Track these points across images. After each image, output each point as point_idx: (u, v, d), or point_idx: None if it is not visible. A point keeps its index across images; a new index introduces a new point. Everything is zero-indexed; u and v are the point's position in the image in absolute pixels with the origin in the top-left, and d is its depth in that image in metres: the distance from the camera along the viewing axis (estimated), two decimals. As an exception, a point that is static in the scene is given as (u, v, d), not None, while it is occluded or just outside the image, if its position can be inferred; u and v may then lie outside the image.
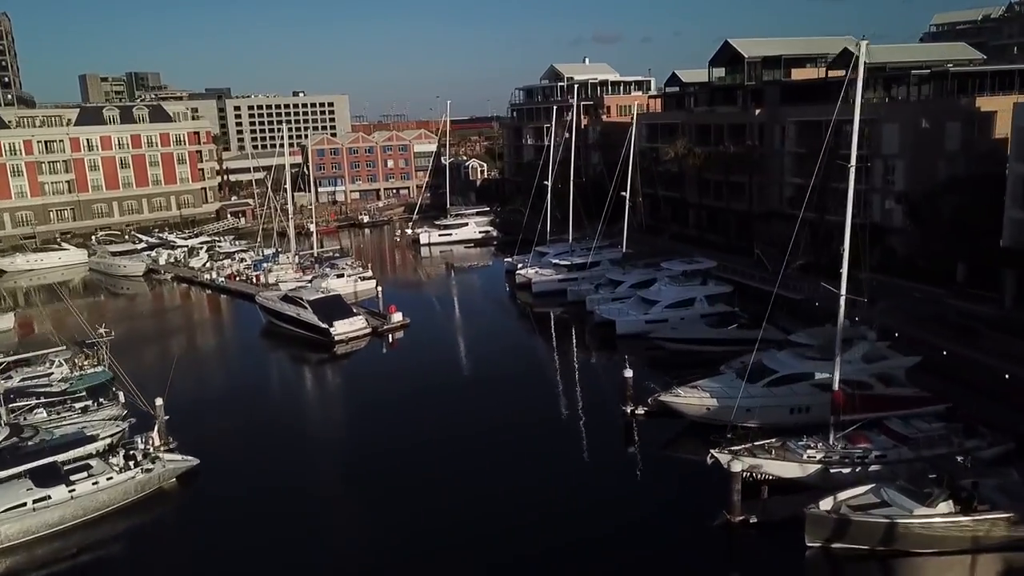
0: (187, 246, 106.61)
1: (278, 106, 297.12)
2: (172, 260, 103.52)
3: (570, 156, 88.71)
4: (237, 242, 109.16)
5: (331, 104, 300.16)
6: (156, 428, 42.78)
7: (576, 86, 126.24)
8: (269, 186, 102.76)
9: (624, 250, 77.69)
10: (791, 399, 41.86)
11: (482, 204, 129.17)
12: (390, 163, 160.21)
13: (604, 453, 43.51)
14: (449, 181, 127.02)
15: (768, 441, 36.88)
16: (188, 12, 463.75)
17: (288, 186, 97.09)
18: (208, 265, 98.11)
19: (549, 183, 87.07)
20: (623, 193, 73.82)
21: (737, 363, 46.64)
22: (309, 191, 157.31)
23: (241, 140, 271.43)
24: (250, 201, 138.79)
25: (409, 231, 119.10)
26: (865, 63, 35.09)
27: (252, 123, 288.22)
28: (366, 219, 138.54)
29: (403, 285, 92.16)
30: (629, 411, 45.85)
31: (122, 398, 46.98)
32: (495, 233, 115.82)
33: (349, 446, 46.63)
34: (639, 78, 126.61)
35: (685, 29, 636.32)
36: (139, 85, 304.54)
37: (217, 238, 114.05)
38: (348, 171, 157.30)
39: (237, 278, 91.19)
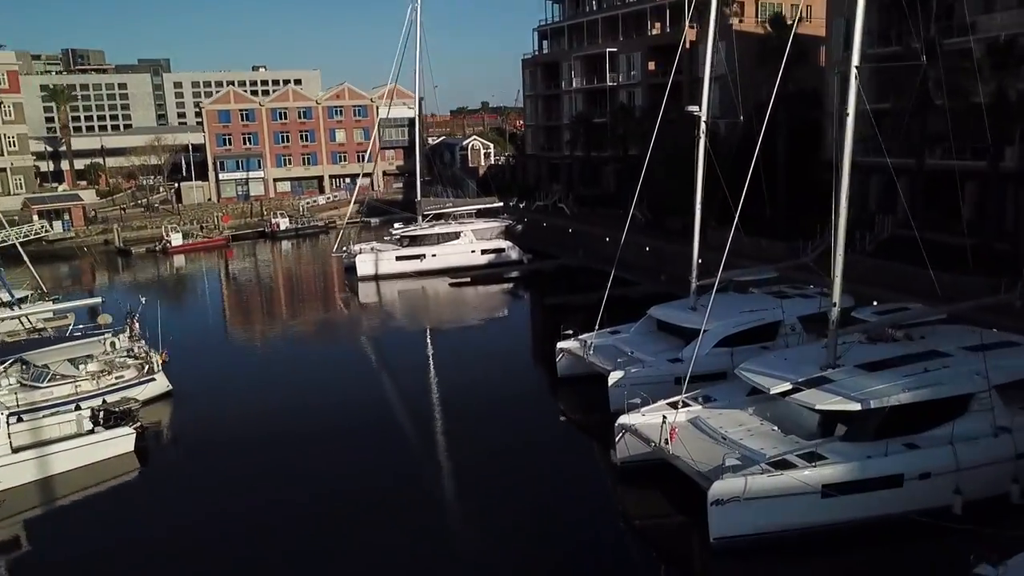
0: None
1: (230, 83, 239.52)
2: None
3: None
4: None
5: (298, 81, 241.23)
6: None
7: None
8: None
9: None
10: None
11: (487, 198, 68.87)
12: (339, 136, 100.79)
13: None
14: (419, 154, 66.92)
15: None
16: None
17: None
18: None
19: (704, 114, 28.05)
20: None
21: None
22: (206, 180, 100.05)
23: (184, 122, 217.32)
24: (80, 195, 79.84)
25: (342, 250, 59.98)
26: None
27: (198, 103, 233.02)
28: (284, 224, 79.40)
29: (257, 460, 26.60)
30: None
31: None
32: (515, 255, 57.16)
33: None
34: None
35: None
36: (78, 63, 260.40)
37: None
38: (270, 148, 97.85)
39: None
